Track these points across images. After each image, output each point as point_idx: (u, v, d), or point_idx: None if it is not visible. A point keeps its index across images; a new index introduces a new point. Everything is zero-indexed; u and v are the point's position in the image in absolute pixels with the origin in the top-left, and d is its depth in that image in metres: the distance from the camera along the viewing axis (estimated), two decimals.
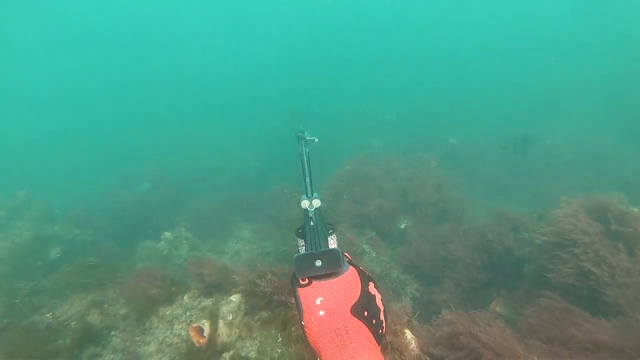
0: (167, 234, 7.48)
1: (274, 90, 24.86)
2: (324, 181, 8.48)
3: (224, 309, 3.48)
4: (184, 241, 7.31)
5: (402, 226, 6.64)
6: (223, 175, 12.45)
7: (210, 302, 3.72)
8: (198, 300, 3.78)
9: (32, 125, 23.70)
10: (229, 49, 38.04)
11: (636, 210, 3.99)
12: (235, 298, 3.52)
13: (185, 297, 3.84)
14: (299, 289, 0.92)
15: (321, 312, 0.85)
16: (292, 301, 3.08)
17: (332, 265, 0.93)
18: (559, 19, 28.87)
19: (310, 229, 1.16)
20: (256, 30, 39.48)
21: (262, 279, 3.19)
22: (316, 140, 2.63)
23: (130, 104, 25.58)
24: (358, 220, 6.55)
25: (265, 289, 3.14)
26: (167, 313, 3.76)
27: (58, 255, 6.50)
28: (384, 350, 2.42)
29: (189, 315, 3.64)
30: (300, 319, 0.89)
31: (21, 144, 19.73)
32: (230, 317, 3.37)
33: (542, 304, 3.54)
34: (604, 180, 8.41)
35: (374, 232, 6.09)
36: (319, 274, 0.92)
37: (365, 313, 0.87)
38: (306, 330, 0.85)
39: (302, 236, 1.15)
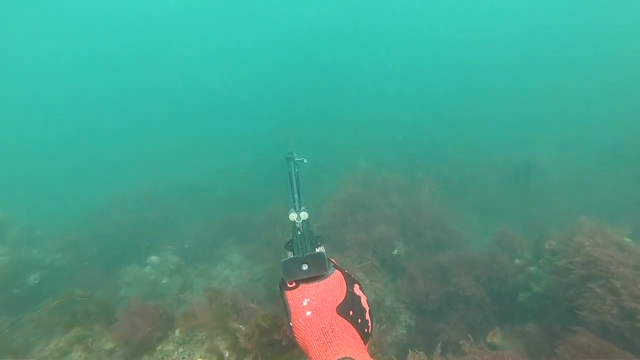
0: (154, 258, 7.22)
1: (266, 105, 24.79)
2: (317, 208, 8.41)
3: (221, 344, 3.32)
4: (171, 266, 7.06)
5: (395, 252, 6.59)
6: (211, 194, 12.23)
7: (204, 336, 3.56)
8: (191, 335, 3.61)
9: (9, 135, 22.72)
10: (217, 62, 37.75)
11: (629, 240, 4.05)
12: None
13: (177, 331, 3.66)
14: (286, 291, 0.97)
15: (308, 313, 0.89)
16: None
17: (318, 268, 0.98)
18: (547, 35, 30.02)
19: (298, 237, 1.24)
20: (249, 39, 39.52)
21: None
22: (305, 161, 2.78)
23: (115, 117, 24.97)
24: (353, 247, 6.48)
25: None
26: (157, 349, 3.56)
27: (36, 282, 6.17)
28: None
29: (182, 352, 3.46)
30: (289, 321, 0.93)
31: None
32: (227, 355, 3.22)
33: (574, 343, 3.17)
34: (589, 203, 8.63)
35: (369, 261, 6.02)
36: (305, 277, 0.97)
37: (351, 312, 0.91)
38: (294, 331, 0.89)
39: (291, 249, 1.20)
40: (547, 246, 4.69)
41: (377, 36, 36.55)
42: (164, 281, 6.80)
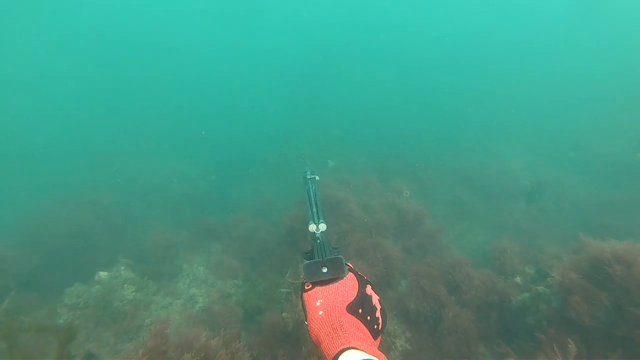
0: (103, 274, 6.07)
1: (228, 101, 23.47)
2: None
3: None
4: (125, 285, 5.95)
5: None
6: (168, 197, 10.96)
7: None
8: None
9: None
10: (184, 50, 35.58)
11: None
12: None
13: None
14: (304, 293, 1.08)
15: (320, 312, 0.98)
16: None
17: (336, 271, 1.08)
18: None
19: (317, 245, 1.41)
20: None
21: None
22: (317, 178, 2.98)
23: (57, 109, 22.15)
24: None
25: None
26: None
27: None
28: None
29: None
30: (305, 319, 1.03)
31: None
32: None
33: None
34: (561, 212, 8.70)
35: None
36: (324, 279, 1.07)
37: (360, 310, 0.99)
38: (309, 328, 0.98)
39: (311, 258, 1.29)
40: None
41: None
42: (115, 303, 5.69)
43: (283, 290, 5.94)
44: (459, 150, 13.28)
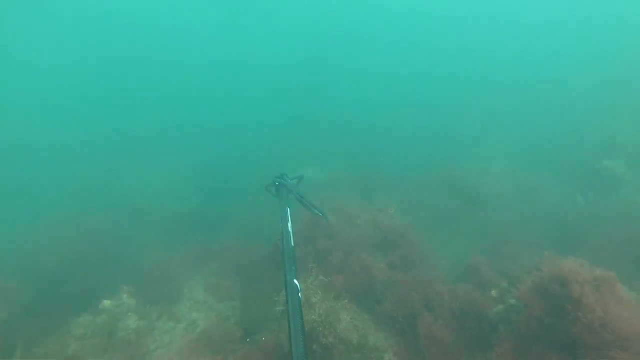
0: (107, 303, 6.38)
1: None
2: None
3: None
4: (128, 313, 6.27)
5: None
6: (163, 217, 11.23)
7: None
8: None
9: None
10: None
11: None
12: None
13: None
14: None
15: None
16: None
17: None
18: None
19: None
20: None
21: None
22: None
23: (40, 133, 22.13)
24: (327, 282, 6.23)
25: None
26: None
27: None
28: None
29: None
30: None
31: None
32: None
33: None
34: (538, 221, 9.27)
35: (346, 300, 5.80)
36: None
37: None
38: None
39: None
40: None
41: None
42: (120, 332, 6.01)
43: (278, 308, 6.33)
44: (443, 161, 13.81)
